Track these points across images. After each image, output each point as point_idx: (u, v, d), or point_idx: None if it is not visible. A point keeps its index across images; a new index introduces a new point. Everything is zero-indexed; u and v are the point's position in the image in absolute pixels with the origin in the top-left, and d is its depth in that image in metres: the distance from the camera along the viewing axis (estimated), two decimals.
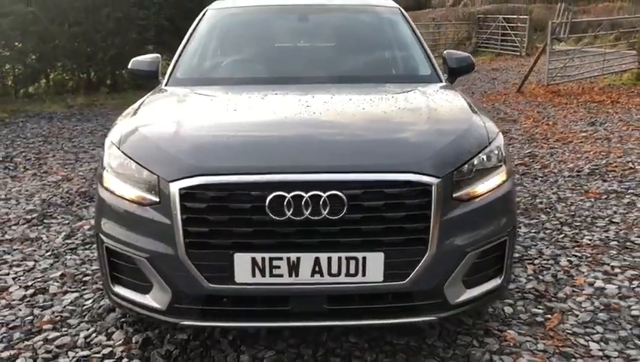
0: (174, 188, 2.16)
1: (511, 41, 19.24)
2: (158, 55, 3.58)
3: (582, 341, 2.71)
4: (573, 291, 3.19)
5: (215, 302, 2.24)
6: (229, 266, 2.16)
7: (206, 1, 11.87)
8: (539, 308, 3.01)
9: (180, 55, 3.48)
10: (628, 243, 3.82)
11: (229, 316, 2.27)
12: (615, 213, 4.40)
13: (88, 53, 11.09)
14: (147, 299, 2.30)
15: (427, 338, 2.71)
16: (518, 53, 18.54)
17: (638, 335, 2.76)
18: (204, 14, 3.85)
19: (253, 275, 2.17)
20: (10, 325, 2.87)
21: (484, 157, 2.41)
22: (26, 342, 2.71)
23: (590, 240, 3.89)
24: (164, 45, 12.02)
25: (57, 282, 3.33)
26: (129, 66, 3.56)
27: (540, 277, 3.37)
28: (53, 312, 2.98)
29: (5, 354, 2.62)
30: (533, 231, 4.08)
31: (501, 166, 2.48)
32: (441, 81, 3.34)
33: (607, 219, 4.28)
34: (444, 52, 3.60)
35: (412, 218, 2.18)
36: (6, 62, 10.43)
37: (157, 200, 2.22)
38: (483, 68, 16.38)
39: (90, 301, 3.10)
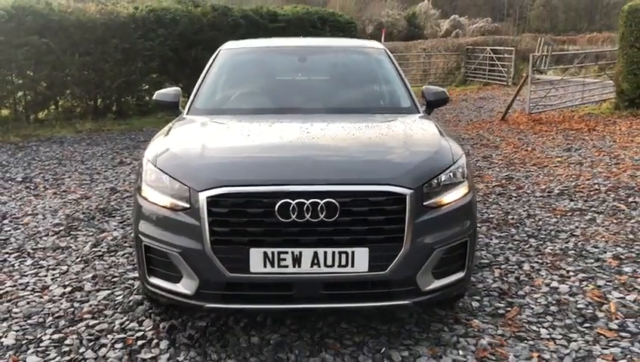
0: (202, 196, 2.73)
1: (498, 71, 20.05)
2: (179, 88, 4.18)
3: (534, 327, 3.27)
4: (532, 289, 3.76)
5: (234, 288, 2.79)
6: (246, 259, 2.72)
7: (208, 34, 12.60)
8: (501, 303, 3.57)
9: (198, 88, 4.09)
10: (583, 252, 4.39)
11: (245, 299, 2.82)
12: (577, 227, 4.98)
13: (96, 81, 11.70)
14: (178, 287, 2.85)
15: (406, 325, 3.26)
16: (505, 83, 19.32)
17: (580, 322, 3.32)
18: (217, 53, 4.45)
19: (265, 266, 2.73)
20: (55, 315, 3.40)
21: (450, 173, 3.01)
22: (71, 328, 3.25)
23: (552, 249, 4.47)
24: (168, 74, 12.73)
25: (90, 282, 3.87)
26: (154, 97, 4.15)
27: (505, 278, 3.93)
28: (90, 305, 3.52)
29: (55, 336, 3.15)
30: (502, 242, 4.65)
31: (464, 181, 3.07)
32: (419, 112, 3.95)
33: (568, 232, 4.86)
34: (423, 87, 4.22)
35: (390, 221, 2.75)
36: (19, 89, 11.04)
37: (188, 206, 2.79)
38: (470, 97, 17.10)
39: (121, 297, 3.63)
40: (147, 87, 12.54)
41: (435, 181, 2.92)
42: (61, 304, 3.55)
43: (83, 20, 11.27)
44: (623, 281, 3.85)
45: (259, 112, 3.83)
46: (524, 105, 12.94)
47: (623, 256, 4.28)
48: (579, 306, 3.51)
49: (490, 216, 5.35)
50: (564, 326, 3.28)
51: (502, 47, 20.50)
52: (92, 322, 3.31)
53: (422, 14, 53.79)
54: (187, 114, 3.90)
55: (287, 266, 2.73)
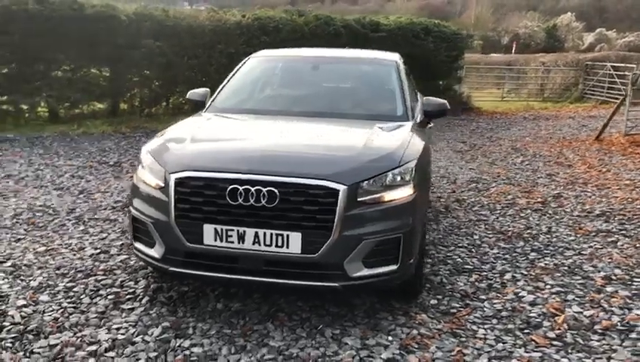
0: (172, 177, 3.31)
1: (617, 89, 18.92)
2: (207, 89, 4.81)
3: (474, 327, 3.48)
4: (496, 296, 3.92)
5: (191, 256, 3.33)
6: (200, 232, 3.25)
7: (310, 42, 13.26)
8: (458, 304, 3.79)
9: (220, 89, 4.70)
10: (576, 270, 4.43)
11: (199, 267, 3.35)
12: (590, 247, 4.96)
13: (203, 82, 12.86)
14: (151, 251, 3.45)
15: (355, 310, 3.62)
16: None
17: (521, 328, 3.47)
18: (247, 59, 5.05)
19: (215, 240, 3.24)
20: (77, 269, 4.15)
21: (391, 175, 3.32)
22: (83, 280, 3.97)
23: (545, 264, 4.54)
24: None
25: (117, 248, 4.61)
26: (187, 96, 4.82)
27: (477, 284, 4.12)
28: (106, 265, 4.24)
29: (68, 285, 3.88)
30: (501, 253, 4.78)
31: (408, 184, 3.37)
32: (409, 120, 4.24)
33: (577, 251, 4.86)
34: (424, 98, 4.49)
35: (323, 211, 3.15)
36: (135, 86, 12.46)
37: (163, 185, 3.38)
38: (580, 115, 16.38)
39: (134, 261, 4.32)
40: None
41: (374, 180, 3.26)
42: (86, 262, 4.30)
43: (193, 26, 12.47)
44: (593, 298, 3.89)
45: (260, 113, 4.36)
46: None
47: (614, 277, 4.27)
48: (530, 315, 3.64)
49: (509, 229, 5.45)
50: (503, 330, 3.46)
51: (623, 65, 19.30)
52: (101, 278, 4.01)
53: (563, 27, 51.35)
54: (204, 111, 4.51)
55: (233, 242, 3.22)
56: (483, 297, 3.90)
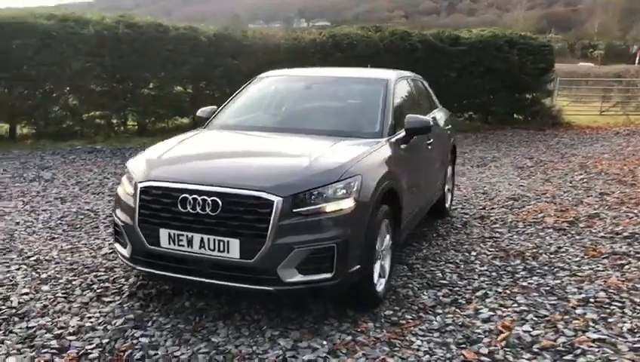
0: (138, 186, 3.75)
1: None
2: (214, 107, 5.25)
3: (413, 338, 3.58)
4: (454, 311, 3.97)
5: (151, 257, 3.73)
6: (157, 236, 3.65)
7: (384, 57, 13.42)
8: (411, 316, 3.90)
9: (222, 108, 5.12)
10: (557, 290, 4.33)
11: (158, 267, 3.74)
12: (591, 268, 4.80)
13: None
14: (124, 251, 3.90)
15: (306, 316, 3.84)
16: None
17: (459, 343, 3.52)
18: (254, 79, 5.44)
19: (169, 243, 3.62)
20: (85, 265, 4.70)
21: (329, 189, 3.53)
22: (85, 275, 4.51)
23: (528, 283, 4.48)
24: None
25: None
26: (197, 113, 5.28)
27: (442, 298, 4.18)
28: (111, 263, 4.76)
29: (70, 278, 4.43)
30: (489, 270, 4.77)
31: (347, 197, 3.56)
32: (383, 137, 4.39)
33: (573, 272, 4.73)
34: (407, 115, 4.62)
35: (258, 220, 3.43)
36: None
37: (132, 192, 3.82)
38: None
39: None
40: None
41: (309, 193, 3.49)
42: (96, 259, 4.86)
43: (269, 45, 13.14)
44: (553, 319, 3.82)
45: (244, 129, 4.72)
46: None
47: (593, 300, 4.14)
48: (476, 331, 3.67)
49: (515, 247, 5.37)
50: (440, 343, 3.52)
51: None
52: (100, 274, 4.54)
53: None
54: (203, 128, 4.94)
55: (183, 246, 3.59)
56: (439, 311, 3.97)
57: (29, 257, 4.90)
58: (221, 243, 3.50)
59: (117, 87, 12.25)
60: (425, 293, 4.27)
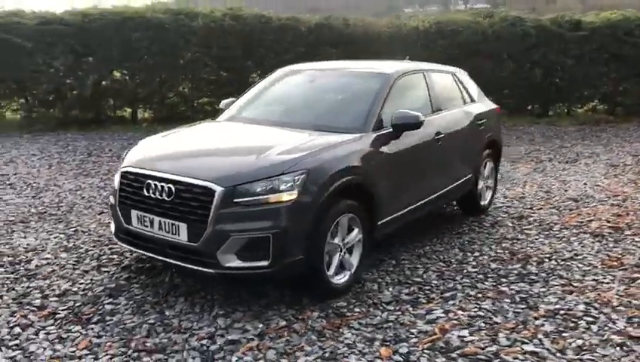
0: (119, 170, 4.22)
1: None
2: (233, 99, 5.60)
3: (346, 331, 3.65)
4: (406, 309, 3.96)
5: (127, 234, 4.20)
6: (130, 216, 4.10)
7: (491, 44, 12.85)
8: (360, 309, 3.96)
9: (237, 99, 5.46)
10: (532, 300, 4.11)
11: (133, 244, 4.19)
12: (595, 280, 4.46)
13: None
14: (112, 228, 4.42)
15: (263, 300, 4.07)
16: None
17: (384, 340, 3.54)
18: (272, 72, 5.69)
19: (138, 223, 4.05)
20: (110, 239, 5.32)
21: (271, 182, 3.72)
22: (102, 247, 5.12)
23: (509, 289, 4.29)
24: None
25: None
26: (220, 106, 5.67)
27: (403, 296, 4.17)
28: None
29: (88, 248, 5.07)
30: (476, 272, 4.62)
31: (288, 191, 3.72)
32: (364, 133, 4.42)
33: (570, 281, 4.43)
34: (395, 111, 4.60)
35: (202, 207, 3.73)
36: None
37: (117, 177, 4.31)
38: None
39: None
40: None
41: (250, 184, 3.71)
42: (115, 248, 5.44)
43: (369, 33, 13.23)
44: (500, 327, 3.67)
45: (242, 121, 4.99)
46: None
47: (563, 313, 3.89)
48: (412, 330, 3.65)
49: (528, 251, 5.12)
50: (365, 338, 3.57)
51: None
52: (115, 247, 5.11)
53: None
54: (213, 120, 5.31)
55: (147, 226, 4.00)
56: (390, 308, 3.98)
57: (71, 228, 5.65)
58: (173, 227, 3.85)
59: (223, 76, 13.10)
60: (390, 289, 4.28)
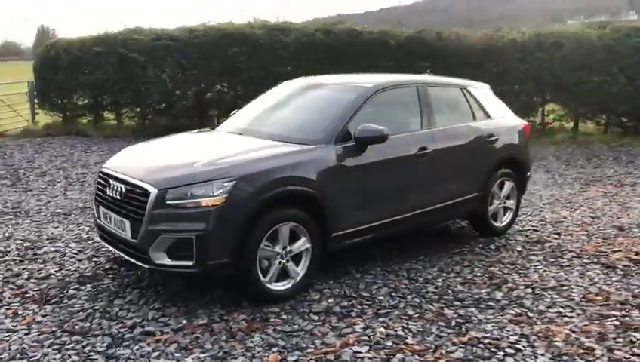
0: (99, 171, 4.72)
1: None
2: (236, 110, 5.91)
3: (255, 335, 3.75)
4: (328, 321, 3.95)
5: (99, 228, 4.66)
6: (99, 212, 4.56)
7: (596, 57, 11.85)
8: (284, 317, 4.03)
9: (237, 111, 5.75)
10: (466, 325, 3.90)
11: (102, 237, 4.65)
12: (558, 312, 4.12)
13: None
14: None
15: (203, 298, 4.30)
16: None
17: (283, 347, 3.60)
18: (277, 85, 5.91)
19: (103, 219, 4.50)
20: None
21: (201, 187, 3.95)
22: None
23: (453, 312, 4.10)
24: (543, 97, 12.85)
25: None
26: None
27: (335, 308, 4.15)
28: None
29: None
30: (436, 293, 4.45)
31: (215, 196, 3.92)
32: (326, 145, 4.46)
33: (530, 310, 4.13)
34: (359, 125, 4.59)
35: (140, 207, 4.06)
36: None
37: None
38: None
39: None
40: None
41: (180, 188, 3.97)
42: None
43: (461, 47, 12.89)
44: (404, 348, 3.56)
45: (228, 130, 5.26)
46: None
47: (489, 341, 3.65)
48: (316, 341, 3.65)
49: (515, 276, 4.81)
50: (268, 344, 3.65)
51: None
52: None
53: None
54: (212, 129, 5.62)
55: (108, 222, 4.43)
56: (315, 317, 3.99)
57: None
58: (122, 223, 4.23)
59: None
60: (329, 301, 4.29)
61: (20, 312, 4.12)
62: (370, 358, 3.46)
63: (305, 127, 4.83)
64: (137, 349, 3.59)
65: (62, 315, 4.06)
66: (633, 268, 4.99)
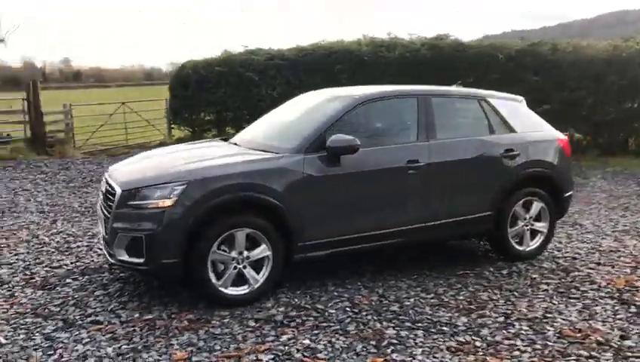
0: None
1: None
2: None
3: (185, 336, 3.90)
4: (260, 329, 3.95)
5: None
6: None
7: None
8: (227, 320, 4.10)
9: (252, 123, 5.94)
10: (397, 347, 3.67)
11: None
12: (506, 338, 3.71)
13: (583, 116, 12.04)
14: None
15: (174, 303, 4.54)
16: None
17: (199, 346, 3.69)
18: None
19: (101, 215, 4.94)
20: None
21: (154, 190, 4.19)
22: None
23: (399, 334, 3.87)
24: None
25: None
26: None
27: (277, 317, 4.12)
28: None
29: None
30: (393, 314, 4.23)
31: (164, 199, 4.13)
32: (297, 154, 4.46)
33: (480, 340, 3.77)
34: (333, 135, 4.52)
35: (111, 206, 4.42)
36: None
37: None
38: None
39: None
40: None
41: (137, 190, 4.25)
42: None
43: (579, 59, 11.85)
44: None
45: (232, 140, 5.44)
46: None
47: None
48: (232, 345, 3.69)
49: (494, 305, 4.39)
50: (190, 344, 3.77)
51: None
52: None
53: None
54: (226, 140, 5.81)
55: (101, 219, 4.86)
56: (251, 324, 4.00)
57: None
58: (102, 221, 4.63)
59: None
60: (280, 309, 4.25)
61: (15, 294, 4.66)
62: None
63: (284, 137, 4.87)
64: (76, 334, 3.89)
65: (44, 300, 4.52)
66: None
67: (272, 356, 3.54)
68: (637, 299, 4.45)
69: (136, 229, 4.20)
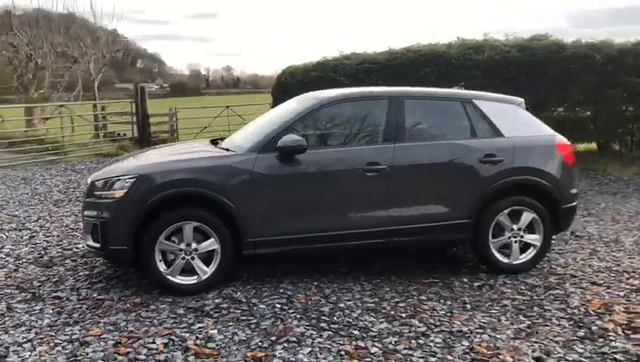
0: None
1: None
2: None
3: (132, 319, 4.23)
4: (203, 317, 4.14)
5: None
6: None
7: None
8: (176, 310, 4.37)
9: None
10: (315, 351, 3.68)
11: None
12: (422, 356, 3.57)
13: None
14: None
15: (140, 287, 4.92)
16: None
17: (118, 326, 3.99)
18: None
19: None
20: None
21: (109, 182, 4.58)
22: None
23: (346, 343, 3.89)
24: None
25: None
26: None
27: (223, 311, 4.29)
28: None
29: None
30: (337, 322, 4.21)
31: (116, 191, 4.50)
32: (251, 153, 4.62)
33: (397, 353, 3.67)
34: (285, 136, 4.60)
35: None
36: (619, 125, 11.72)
37: None
38: None
39: None
40: None
41: (99, 181, 4.69)
42: None
43: None
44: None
45: (216, 141, 5.69)
46: None
47: None
48: (172, 337, 3.95)
49: (425, 322, 4.21)
50: (113, 325, 4.10)
51: None
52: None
53: None
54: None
55: None
56: (194, 314, 4.24)
57: None
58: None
59: None
60: (216, 301, 4.41)
61: (18, 269, 5.32)
62: (156, 349, 3.61)
63: (248, 137, 5.02)
64: (31, 307, 4.39)
65: (34, 276, 5.11)
66: (611, 335, 3.81)
67: (167, 341, 3.73)
68: (596, 322, 3.98)
69: (94, 217, 4.62)
